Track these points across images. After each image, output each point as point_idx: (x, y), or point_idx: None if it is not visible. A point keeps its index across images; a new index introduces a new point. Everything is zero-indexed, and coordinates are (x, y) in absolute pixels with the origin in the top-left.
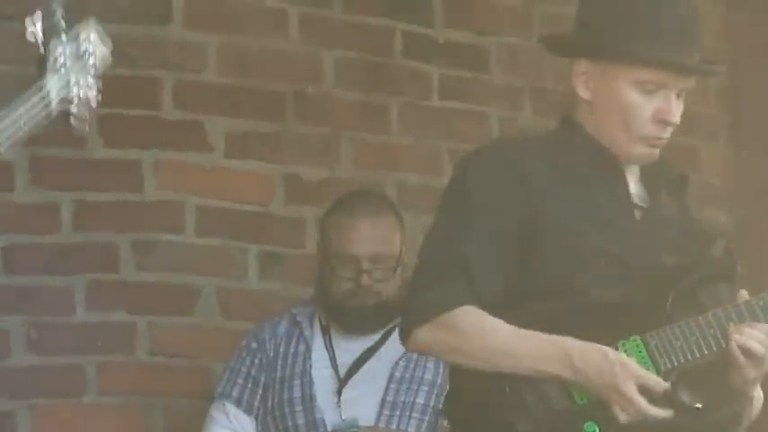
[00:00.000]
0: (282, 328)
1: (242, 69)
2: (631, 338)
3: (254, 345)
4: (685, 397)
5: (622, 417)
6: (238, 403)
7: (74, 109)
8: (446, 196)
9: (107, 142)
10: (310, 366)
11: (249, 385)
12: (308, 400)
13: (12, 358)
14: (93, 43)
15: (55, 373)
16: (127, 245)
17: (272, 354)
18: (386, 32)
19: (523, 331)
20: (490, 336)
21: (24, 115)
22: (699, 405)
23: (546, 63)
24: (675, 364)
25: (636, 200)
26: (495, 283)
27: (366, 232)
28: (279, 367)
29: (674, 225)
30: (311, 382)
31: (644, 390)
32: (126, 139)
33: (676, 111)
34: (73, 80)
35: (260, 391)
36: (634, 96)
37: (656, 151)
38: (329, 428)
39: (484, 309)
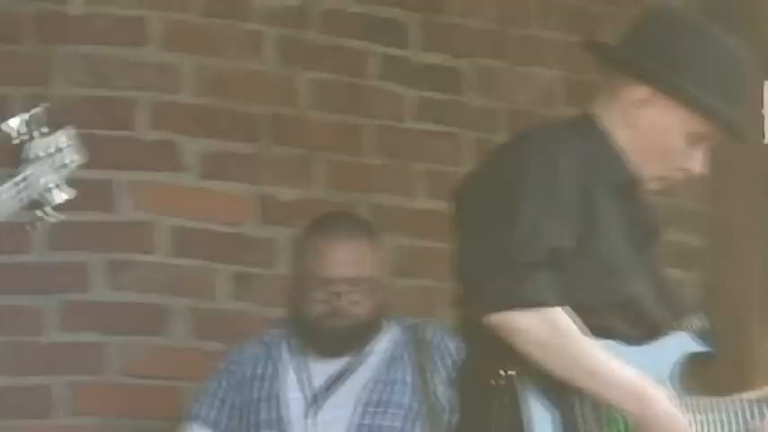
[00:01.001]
0: (251, 351)
1: (218, 90)
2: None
3: (222, 366)
4: None
5: None
6: (205, 421)
7: (47, 211)
8: (530, 172)
9: (81, 162)
10: (279, 389)
11: (219, 406)
12: (276, 422)
13: None
14: (67, 152)
15: (25, 394)
16: (99, 265)
17: (239, 376)
18: (361, 55)
19: (615, 359)
20: (582, 348)
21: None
22: None
23: (520, 85)
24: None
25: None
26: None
27: (342, 256)
28: (247, 390)
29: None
30: (280, 405)
31: None
32: (100, 160)
33: (703, 164)
34: (42, 183)
35: (230, 413)
36: (681, 143)
37: (662, 187)
38: None
39: None
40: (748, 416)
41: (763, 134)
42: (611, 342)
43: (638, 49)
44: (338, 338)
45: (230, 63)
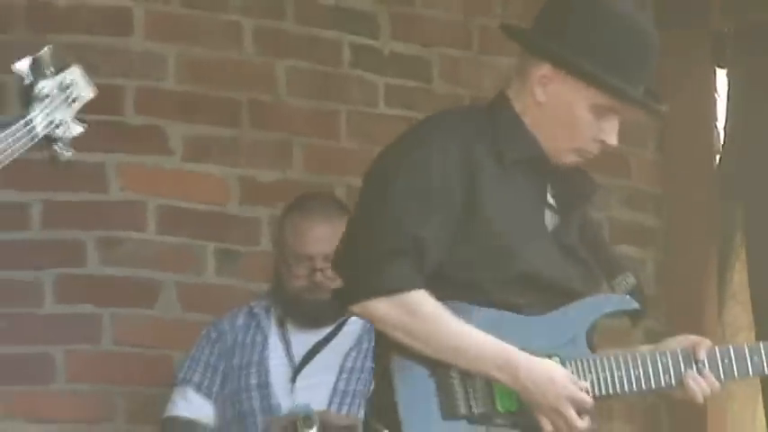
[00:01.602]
0: (241, 320)
1: (200, 78)
2: (552, 357)
3: (213, 335)
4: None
5: (548, 428)
6: (198, 388)
7: (61, 147)
8: (397, 171)
9: (73, 146)
10: (266, 356)
11: (208, 373)
12: (264, 386)
13: None
14: (80, 86)
15: (25, 362)
16: (92, 242)
17: (230, 343)
18: (335, 44)
19: (475, 331)
20: (444, 327)
21: (10, 142)
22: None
23: (485, 74)
24: (596, 393)
25: (550, 200)
26: (436, 263)
27: (320, 234)
28: (236, 356)
29: (576, 239)
30: (267, 371)
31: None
32: (91, 144)
33: (616, 135)
34: (58, 119)
35: (218, 378)
36: (587, 115)
37: (582, 159)
38: (283, 413)
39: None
40: (670, 368)
41: (716, 117)
42: (504, 314)
43: (539, 28)
44: (318, 311)
45: (211, 52)
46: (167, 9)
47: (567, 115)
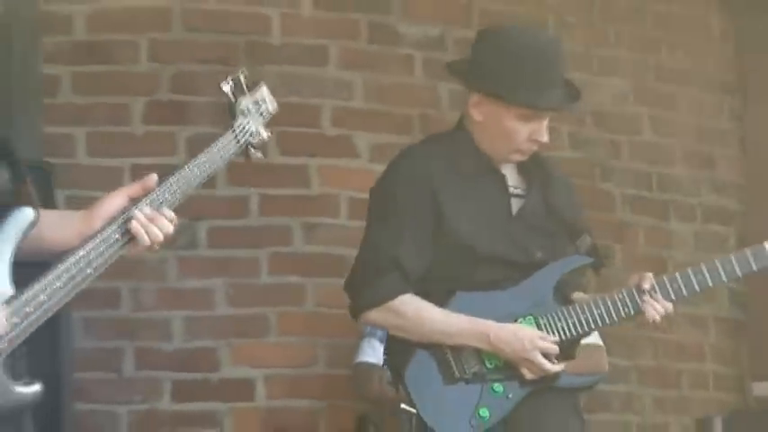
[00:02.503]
0: None
1: (381, 98)
2: (527, 317)
3: None
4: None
5: (529, 375)
6: (381, 340)
7: (255, 150)
8: (375, 206)
9: (283, 152)
10: None
11: None
12: None
13: (216, 309)
14: (267, 102)
15: (247, 320)
16: (298, 226)
17: None
18: None
19: (452, 314)
20: (427, 318)
21: (221, 150)
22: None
23: None
24: (563, 337)
25: (514, 191)
26: (419, 270)
27: None
28: None
29: (543, 217)
30: None
31: (544, 353)
32: (297, 149)
33: (546, 132)
34: (254, 128)
35: None
36: (516, 125)
37: (526, 155)
38: None
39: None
40: (627, 301)
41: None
42: (488, 293)
43: (470, 64)
44: None
45: (389, 77)
46: (355, 45)
47: (500, 127)
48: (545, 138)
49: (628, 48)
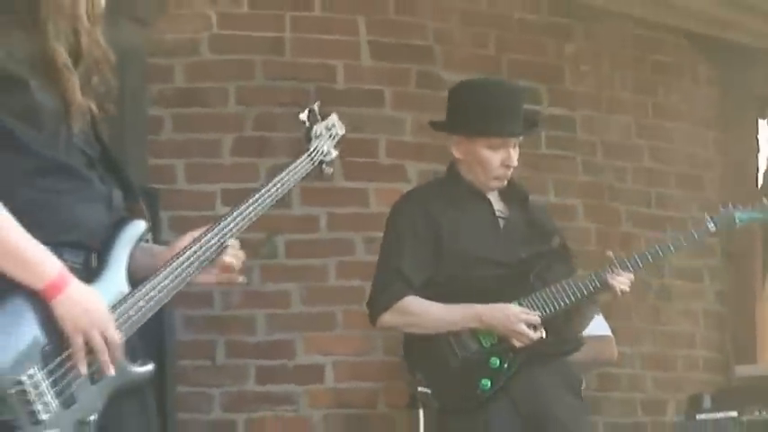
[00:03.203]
0: None
1: (427, 133)
2: (513, 302)
3: None
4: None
5: (518, 344)
6: None
7: (326, 167)
8: (385, 233)
9: (347, 178)
10: None
11: None
12: None
13: (292, 308)
14: (337, 127)
15: (317, 317)
16: (360, 239)
17: None
18: None
19: (450, 307)
20: (430, 313)
21: (298, 169)
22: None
23: None
24: (544, 313)
25: (499, 214)
26: (420, 278)
27: None
28: None
29: (524, 229)
30: None
31: (528, 324)
32: (358, 176)
33: (515, 156)
34: (326, 149)
35: None
36: (487, 153)
37: (504, 181)
38: None
39: (417, 292)
40: (594, 279)
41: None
42: (488, 289)
43: (447, 115)
44: None
45: (435, 115)
46: (406, 90)
47: (477, 159)
48: (514, 162)
49: (631, 90)
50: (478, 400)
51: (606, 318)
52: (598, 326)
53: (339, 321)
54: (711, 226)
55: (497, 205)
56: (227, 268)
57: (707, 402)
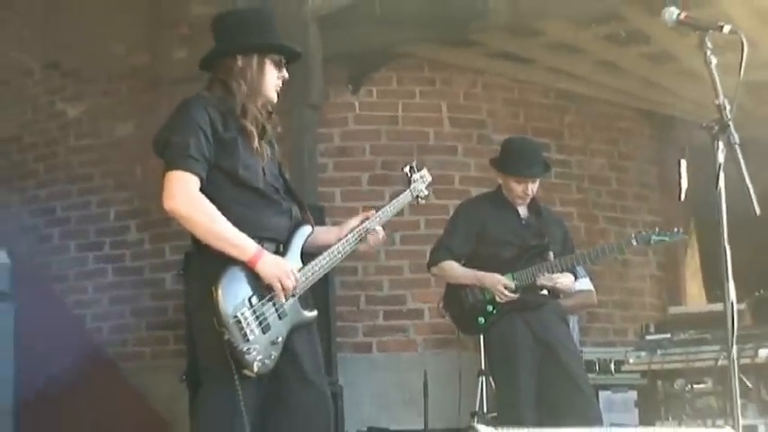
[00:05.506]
0: None
1: (484, 170)
2: (506, 275)
3: None
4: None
5: (499, 298)
6: None
7: (420, 199)
8: (448, 221)
9: (435, 197)
10: None
11: None
12: None
13: (404, 274)
14: (427, 175)
15: (420, 280)
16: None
17: None
18: None
19: (466, 270)
20: (454, 270)
21: (404, 199)
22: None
23: None
24: (525, 282)
25: (522, 217)
26: (461, 251)
27: None
28: None
29: (536, 228)
30: None
31: (507, 288)
32: (441, 196)
33: (532, 188)
34: (420, 188)
35: None
36: (515, 185)
37: (527, 200)
38: None
39: (458, 259)
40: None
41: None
42: (503, 263)
43: (498, 156)
44: None
45: (487, 161)
46: (470, 145)
47: (508, 187)
48: (530, 192)
49: (604, 143)
50: (477, 329)
51: (590, 279)
52: (585, 283)
53: (432, 283)
54: (633, 241)
55: (522, 212)
56: (374, 245)
57: (652, 329)
